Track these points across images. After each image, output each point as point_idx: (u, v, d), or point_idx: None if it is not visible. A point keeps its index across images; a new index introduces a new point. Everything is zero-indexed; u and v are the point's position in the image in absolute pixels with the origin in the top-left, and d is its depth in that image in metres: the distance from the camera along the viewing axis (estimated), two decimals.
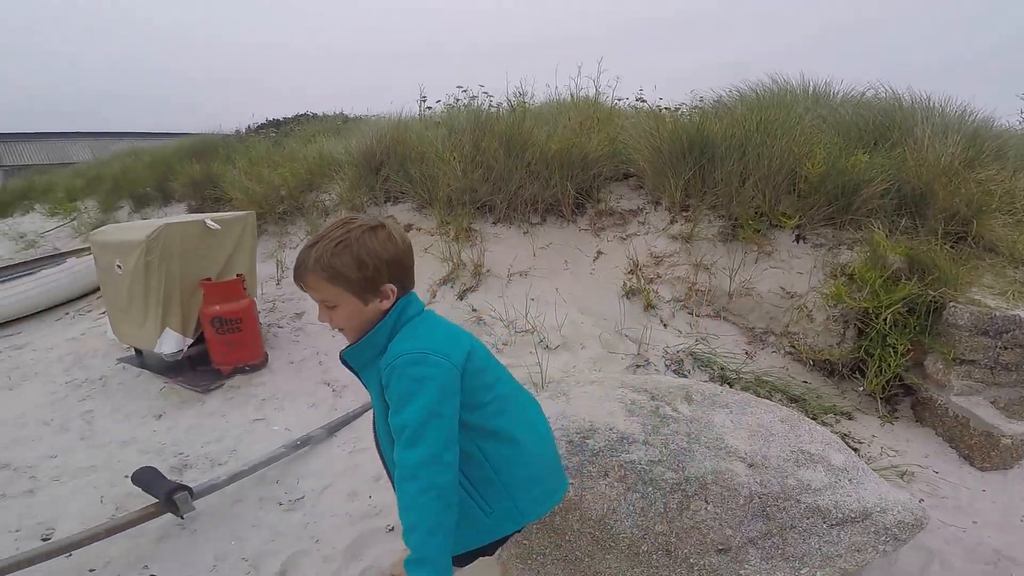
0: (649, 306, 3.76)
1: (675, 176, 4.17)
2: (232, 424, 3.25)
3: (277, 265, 4.93)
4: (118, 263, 3.61)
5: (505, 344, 3.58)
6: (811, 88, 5.30)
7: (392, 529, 2.32)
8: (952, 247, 3.41)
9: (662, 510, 1.85)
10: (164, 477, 2.44)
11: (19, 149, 26.94)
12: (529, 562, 1.99)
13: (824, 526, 1.88)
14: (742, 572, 1.84)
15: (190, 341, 3.67)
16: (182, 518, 2.44)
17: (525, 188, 4.55)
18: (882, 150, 3.97)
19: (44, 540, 2.39)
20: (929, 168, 3.66)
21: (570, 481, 1.92)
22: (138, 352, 3.98)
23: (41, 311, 5.63)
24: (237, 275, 3.75)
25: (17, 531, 2.52)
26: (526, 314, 3.72)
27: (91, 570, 2.22)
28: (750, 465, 1.93)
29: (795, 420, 2.18)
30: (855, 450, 2.78)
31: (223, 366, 3.67)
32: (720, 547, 1.83)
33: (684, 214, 4.22)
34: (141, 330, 3.66)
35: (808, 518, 1.87)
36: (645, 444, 1.98)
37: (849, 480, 1.99)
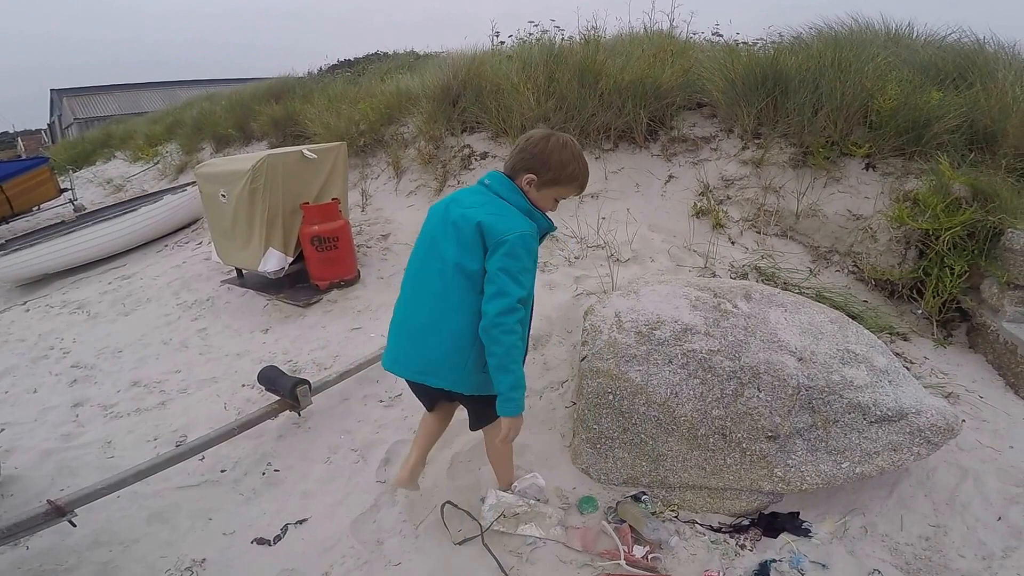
0: (718, 225, 3.93)
1: (748, 105, 4.24)
2: (332, 333, 3.57)
3: (361, 193, 5.23)
4: (222, 192, 3.98)
5: (577, 258, 3.80)
6: (893, 29, 5.13)
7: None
8: (1018, 180, 3.38)
9: (719, 395, 2.13)
10: (285, 374, 2.76)
11: (92, 102, 28.47)
12: (599, 446, 2.31)
13: (864, 422, 2.11)
14: (790, 461, 2.11)
15: (291, 260, 4.01)
16: (299, 414, 2.74)
17: (598, 116, 4.66)
18: (959, 90, 3.91)
19: (178, 445, 2.63)
20: (1004, 108, 3.60)
21: (638, 368, 2.19)
22: (240, 273, 4.36)
23: (142, 245, 6.21)
24: (332, 199, 4.05)
25: (155, 439, 2.79)
26: (598, 230, 3.92)
27: (222, 471, 2.48)
28: (799, 359, 2.16)
29: (843, 322, 2.38)
30: (907, 368, 2.91)
31: (320, 282, 4.01)
32: (769, 434, 2.10)
33: (756, 141, 4.27)
34: (246, 251, 4.02)
35: (849, 413, 2.11)
36: (706, 335, 2.25)
37: (889, 381, 2.20)
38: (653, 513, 2.23)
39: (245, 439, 2.62)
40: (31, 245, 5.91)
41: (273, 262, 3.93)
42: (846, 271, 3.62)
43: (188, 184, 6.89)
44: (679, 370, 2.19)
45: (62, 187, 9.17)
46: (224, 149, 8.15)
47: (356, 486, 2.38)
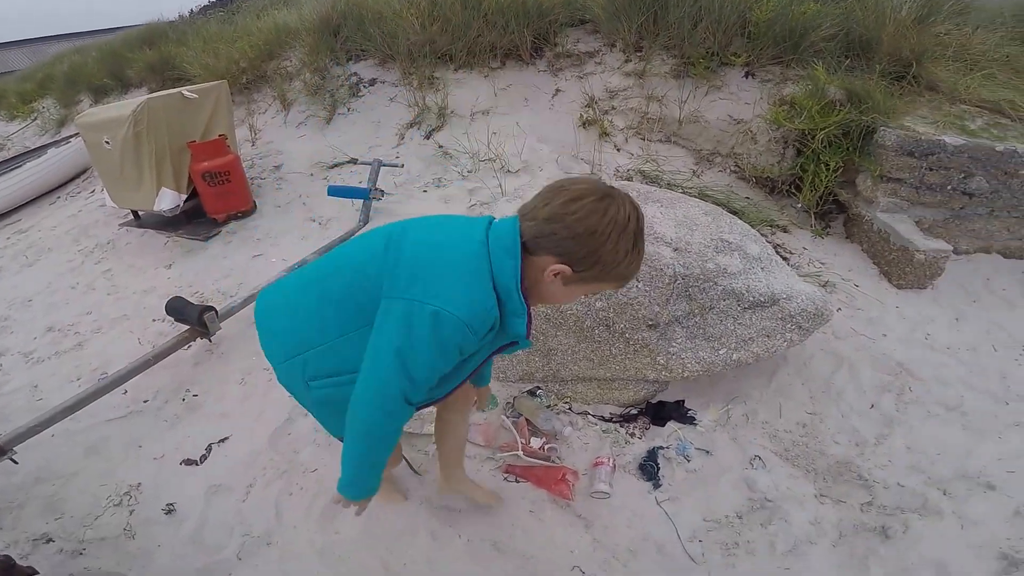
0: (604, 134, 3.84)
1: (628, 20, 4.05)
2: (235, 262, 3.44)
3: (250, 128, 4.88)
4: (106, 139, 3.72)
5: (470, 172, 3.69)
6: None
7: None
8: (891, 84, 3.44)
9: None
10: (191, 303, 2.63)
11: None
12: None
13: (738, 308, 2.10)
14: (671, 349, 2.09)
15: (184, 197, 3.79)
16: (211, 340, 2.67)
17: (483, 37, 4.38)
18: (835, 0, 3.89)
19: (100, 381, 2.53)
20: (879, 17, 3.61)
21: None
22: (136, 215, 4.09)
23: (34, 199, 5.65)
24: (219, 135, 3.84)
25: (78, 378, 2.73)
26: (488, 144, 3.81)
27: (145, 401, 2.47)
28: (675, 249, 2.13)
29: (717, 214, 2.37)
30: (785, 259, 3.00)
31: (218, 215, 3.85)
32: (650, 323, 2.07)
33: (638, 54, 4.14)
34: (138, 193, 3.78)
35: (724, 300, 2.09)
36: None
37: (762, 268, 2.19)
38: (548, 406, 2.22)
39: (163, 369, 2.59)
40: None
41: (167, 200, 3.72)
42: (728, 171, 3.66)
43: (72, 136, 6.29)
44: None
45: None
46: (103, 99, 7.43)
47: (270, 403, 2.38)
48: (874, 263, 3.14)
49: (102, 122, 3.75)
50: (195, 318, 2.53)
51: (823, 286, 2.85)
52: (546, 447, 2.04)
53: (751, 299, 2.10)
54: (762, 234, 3.14)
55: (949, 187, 3.08)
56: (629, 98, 4.01)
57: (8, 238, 4.78)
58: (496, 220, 1.12)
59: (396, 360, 1.03)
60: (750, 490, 1.96)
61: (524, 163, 3.71)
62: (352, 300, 1.12)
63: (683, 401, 2.27)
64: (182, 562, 1.79)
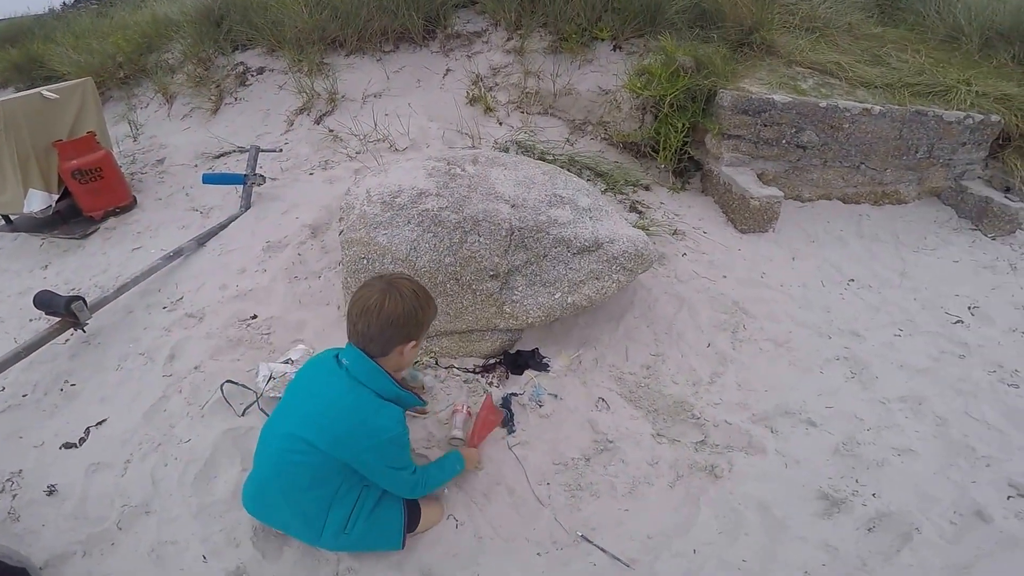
0: (488, 109, 4.16)
1: (510, 1, 4.40)
2: (113, 257, 3.51)
3: (130, 124, 4.89)
4: None
5: (358, 153, 3.90)
6: None
7: (256, 317, 2.72)
8: (734, 52, 3.90)
9: (448, 244, 2.35)
10: (58, 294, 2.68)
11: None
12: None
13: (568, 254, 2.42)
14: (514, 297, 2.39)
15: (56, 196, 3.80)
16: (84, 331, 2.74)
17: (374, 21, 4.59)
18: None
19: None
20: None
21: (384, 232, 2.35)
22: (7, 219, 4.05)
23: None
24: (88, 132, 3.86)
25: None
26: (375, 125, 4.02)
27: (24, 395, 2.55)
28: (512, 206, 2.44)
29: (555, 173, 2.70)
30: (640, 213, 3.39)
31: (94, 212, 3.88)
32: (491, 273, 2.35)
33: (518, 32, 4.46)
34: (4, 196, 3.77)
35: (556, 247, 2.41)
36: (437, 195, 2.43)
37: (591, 218, 2.53)
38: (415, 362, 2.47)
39: (41, 364, 2.68)
40: None
41: (37, 201, 3.73)
42: (599, 139, 4.04)
43: None
44: (415, 228, 2.37)
45: None
46: None
47: (146, 384, 2.51)
48: (723, 212, 3.60)
49: None
50: (63, 307, 2.61)
51: (674, 234, 3.24)
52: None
53: (579, 245, 2.43)
54: (623, 192, 3.52)
55: (784, 141, 3.55)
56: (511, 74, 4.35)
57: None
58: (346, 363, 1.65)
59: (396, 472, 1.68)
60: (594, 432, 2.19)
61: (412, 141, 3.96)
62: (326, 482, 1.65)
63: (537, 349, 2.56)
64: (66, 536, 1.92)
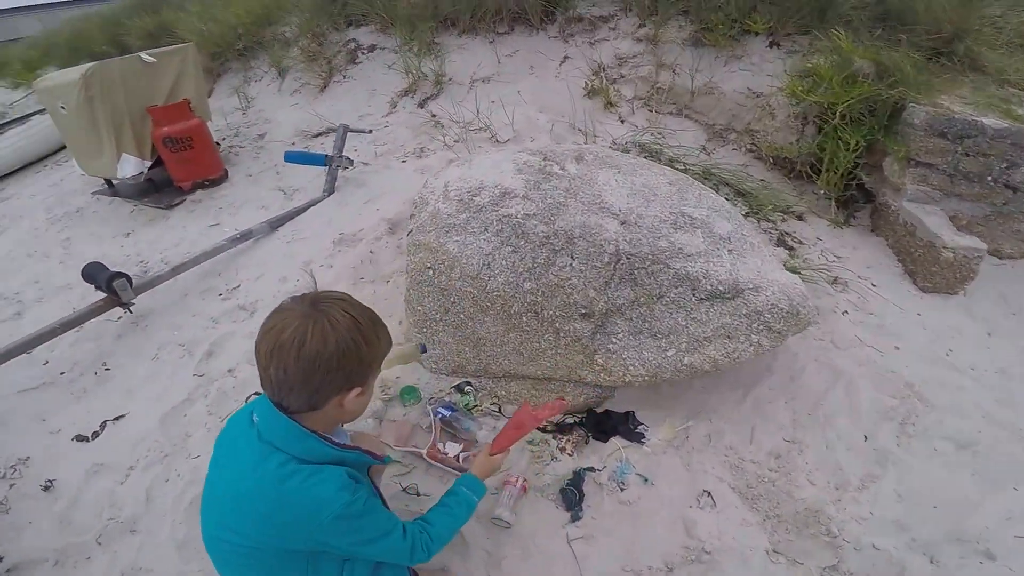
0: (609, 104, 3.60)
1: None
2: (189, 232, 3.42)
3: (240, 96, 4.91)
4: (61, 104, 3.75)
5: (456, 141, 3.53)
6: None
7: None
8: (928, 61, 3.05)
9: (531, 265, 1.83)
10: (106, 269, 2.55)
11: None
12: (424, 330, 2.05)
13: (692, 298, 1.80)
14: (611, 346, 1.82)
15: (148, 163, 3.78)
16: (129, 310, 2.61)
17: (490, 0, 4.22)
18: None
19: (27, 354, 2.57)
20: None
21: (456, 238, 1.92)
22: (108, 183, 4.11)
23: (19, 168, 5.71)
24: (183, 99, 3.81)
25: None
26: (477, 113, 3.64)
27: (61, 373, 2.48)
28: (623, 223, 1.87)
29: (685, 184, 2.08)
30: (791, 249, 2.67)
31: (183, 183, 3.83)
32: (583, 310, 1.80)
33: (652, 19, 3.85)
34: (100, 160, 3.80)
35: (676, 287, 1.80)
36: (524, 198, 1.92)
37: (729, 252, 1.89)
38: (473, 407, 2.00)
39: (87, 341, 2.61)
40: None
41: (129, 167, 3.72)
42: (743, 150, 3.33)
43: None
44: (493, 238, 1.89)
45: None
46: None
47: (175, 382, 2.33)
48: (899, 260, 2.77)
49: (56, 87, 3.77)
50: (104, 284, 2.48)
51: (833, 282, 2.49)
52: (462, 457, 1.82)
53: (709, 288, 1.81)
54: (770, 219, 2.81)
55: (989, 178, 2.67)
56: (640, 66, 3.76)
57: None
58: (257, 421, 1.14)
59: (375, 544, 1.16)
60: (688, 535, 1.68)
61: (516, 133, 3.53)
62: (287, 570, 1.15)
63: (633, 413, 1.99)
64: (45, 540, 1.79)
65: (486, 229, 1.91)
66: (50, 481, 1.98)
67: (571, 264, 1.82)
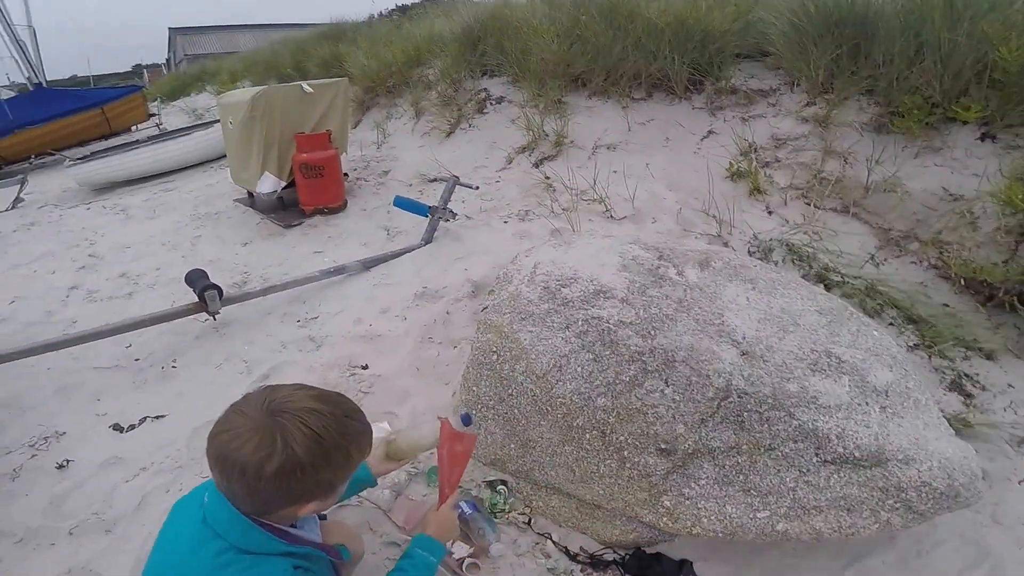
0: (756, 190, 3.11)
1: (820, 52, 3.31)
2: (296, 254, 3.54)
3: (381, 132, 5.13)
4: (230, 119, 4.18)
5: (565, 209, 3.27)
6: None
7: (367, 367, 2.29)
8: None
9: (611, 379, 1.48)
10: (206, 278, 2.66)
11: (198, 40, 31.87)
12: (475, 413, 1.79)
13: (812, 458, 1.36)
14: (686, 490, 1.42)
15: (283, 184, 4.04)
16: (214, 318, 2.68)
17: (627, 62, 3.98)
18: None
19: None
20: None
21: (531, 328, 1.67)
22: (250, 194, 4.49)
23: (195, 165, 6.59)
24: (326, 130, 4.04)
25: (105, 324, 2.90)
26: (594, 181, 3.35)
27: (136, 359, 2.58)
28: (743, 353, 1.45)
29: (841, 315, 1.60)
30: (968, 396, 2.04)
31: (306, 206, 4.04)
32: (663, 446, 1.43)
33: (825, 96, 3.33)
34: (246, 173, 4.15)
35: (795, 441, 1.37)
36: (623, 302, 1.60)
37: (881, 407, 1.41)
38: (500, 511, 1.69)
39: (171, 336, 2.72)
40: (104, 157, 6.50)
41: (267, 184, 4.02)
42: (926, 264, 2.65)
43: None
44: (574, 339, 1.57)
45: (151, 112, 10.33)
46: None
47: (223, 397, 2.25)
48: None
49: (231, 103, 4.19)
50: (197, 291, 2.59)
51: (1019, 444, 1.87)
52: (466, 563, 1.53)
53: (840, 450, 1.34)
54: (949, 357, 2.17)
55: None
56: (802, 150, 3.24)
57: (155, 193, 5.65)
58: (206, 501, 1.03)
59: None
60: None
61: (635, 210, 3.18)
62: None
63: (690, 564, 1.54)
64: (25, 516, 1.79)
65: (567, 327, 1.60)
66: (67, 461, 1.99)
67: (663, 390, 1.43)
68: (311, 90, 4.01)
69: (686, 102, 3.86)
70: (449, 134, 4.67)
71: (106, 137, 9.43)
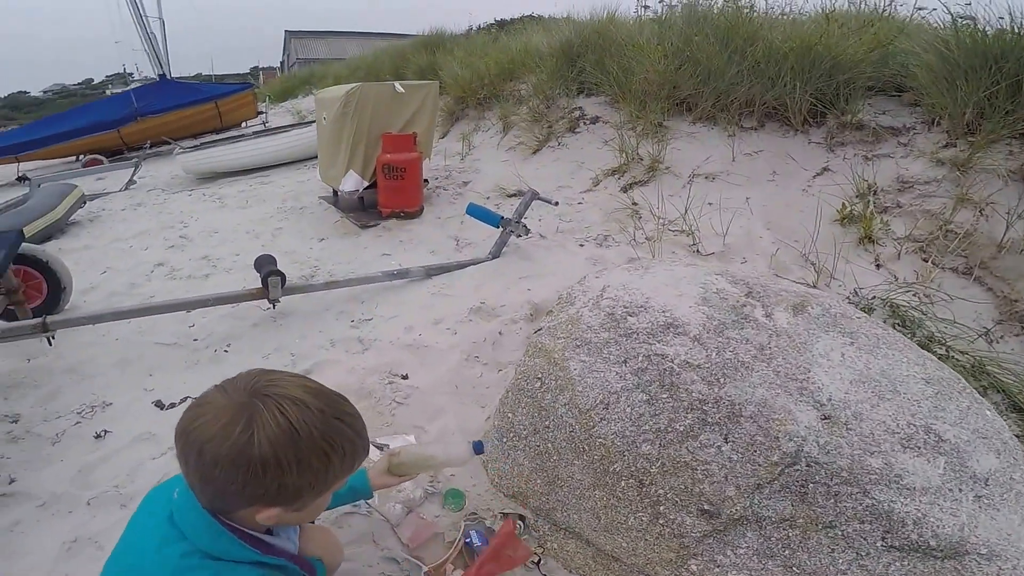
0: (867, 238, 2.82)
1: (968, 89, 2.98)
2: (366, 254, 3.63)
3: (466, 143, 5.23)
4: (324, 115, 4.36)
5: (648, 238, 3.14)
6: None
7: (407, 377, 2.25)
8: None
9: (663, 426, 1.35)
10: (272, 264, 2.75)
11: (309, 45, 34.43)
12: (505, 440, 1.72)
13: (875, 542, 1.18)
14: (719, 558, 1.27)
15: (366, 184, 4.17)
16: (274, 306, 2.78)
17: (740, 87, 3.79)
18: None
19: (186, 312, 2.91)
20: None
21: (584, 358, 1.57)
22: (335, 193, 4.67)
23: (294, 161, 7.01)
24: (412, 132, 4.13)
25: None
26: (685, 211, 3.21)
27: (195, 339, 2.70)
28: (824, 417, 1.27)
29: (950, 388, 1.37)
30: None
31: (384, 208, 4.13)
32: (707, 507, 1.28)
33: (969, 138, 2.97)
34: (332, 170, 4.32)
35: (860, 521, 1.19)
36: (694, 340, 1.47)
37: (976, 496, 1.19)
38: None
39: (233, 319, 2.84)
40: (210, 148, 7.12)
41: (351, 183, 4.15)
42: None
43: None
44: (630, 376, 1.44)
45: (259, 111, 11.34)
46: None
47: None
48: None
49: (326, 99, 4.36)
50: (261, 276, 2.67)
51: None
52: None
53: (914, 537, 1.15)
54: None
55: None
56: (930, 196, 2.91)
57: (251, 185, 6.07)
58: (176, 499, 0.94)
59: None
60: None
61: (725, 247, 2.99)
62: None
63: None
64: (52, 482, 1.85)
65: (625, 361, 1.48)
66: (104, 432, 2.08)
67: (720, 447, 1.27)
68: (403, 90, 4.13)
69: (802, 135, 3.62)
70: (536, 151, 4.66)
71: (217, 131, 10.41)
